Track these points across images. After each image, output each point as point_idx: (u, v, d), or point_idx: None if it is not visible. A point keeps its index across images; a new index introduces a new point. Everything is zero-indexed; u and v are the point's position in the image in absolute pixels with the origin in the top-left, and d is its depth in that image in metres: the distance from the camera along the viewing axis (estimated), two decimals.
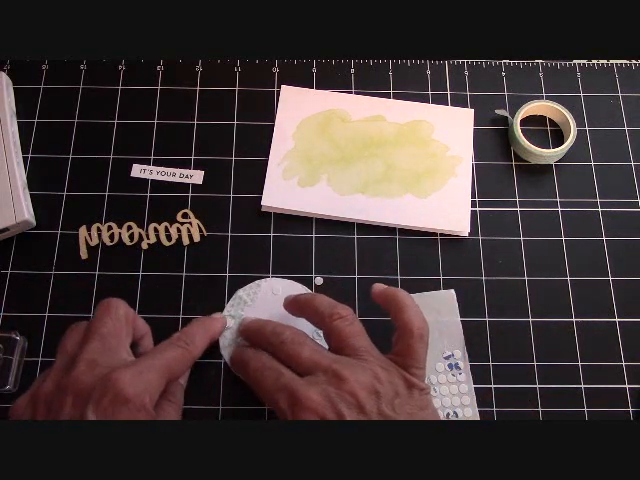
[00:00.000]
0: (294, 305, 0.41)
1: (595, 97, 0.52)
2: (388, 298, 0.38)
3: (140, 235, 0.47)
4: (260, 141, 0.50)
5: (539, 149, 0.49)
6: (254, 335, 0.40)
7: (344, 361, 0.35)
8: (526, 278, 0.46)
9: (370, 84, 0.52)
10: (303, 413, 0.33)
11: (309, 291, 0.45)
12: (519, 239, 0.47)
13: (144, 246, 0.46)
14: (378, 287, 0.39)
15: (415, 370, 0.36)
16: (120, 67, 0.52)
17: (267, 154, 0.49)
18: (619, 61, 0.53)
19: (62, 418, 0.31)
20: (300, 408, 0.33)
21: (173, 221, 0.47)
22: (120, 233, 0.47)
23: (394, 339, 0.37)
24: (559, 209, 0.48)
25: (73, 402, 0.32)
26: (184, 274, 0.46)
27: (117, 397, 0.31)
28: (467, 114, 0.51)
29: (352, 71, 0.53)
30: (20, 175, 0.47)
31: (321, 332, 0.42)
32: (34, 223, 0.46)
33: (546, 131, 0.51)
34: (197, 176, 0.49)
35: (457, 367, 0.44)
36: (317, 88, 0.52)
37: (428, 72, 0.53)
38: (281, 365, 0.37)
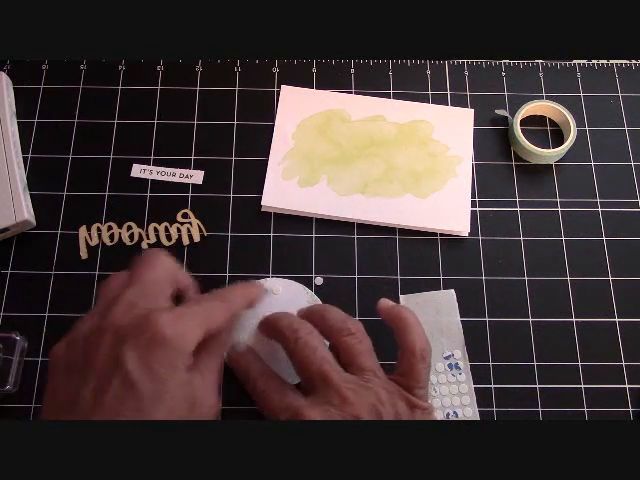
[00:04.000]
0: (306, 317, 0.40)
1: (595, 97, 0.52)
2: (393, 316, 0.38)
3: (140, 235, 0.47)
4: (260, 141, 0.50)
5: (539, 149, 0.49)
6: (270, 328, 0.40)
7: (350, 381, 0.35)
8: (526, 278, 0.46)
9: (370, 84, 0.52)
10: None
11: (309, 291, 0.45)
12: (519, 239, 0.47)
13: (144, 246, 0.46)
14: (384, 303, 0.40)
15: (417, 390, 0.36)
16: (120, 67, 0.52)
17: (267, 154, 0.49)
18: (619, 61, 0.53)
19: (99, 356, 0.31)
20: None
21: (173, 221, 0.47)
22: (120, 233, 0.47)
23: (398, 359, 0.38)
24: (559, 209, 0.48)
25: (111, 340, 0.32)
26: None
27: (155, 336, 0.31)
28: (467, 114, 0.51)
29: (352, 71, 0.53)
30: (20, 175, 0.47)
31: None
32: (34, 223, 0.46)
33: (546, 131, 0.51)
34: (197, 176, 0.49)
35: (457, 367, 0.44)
36: (317, 88, 0.52)
37: (428, 72, 0.53)
38: (286, 385, 0.37)
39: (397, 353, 0.38)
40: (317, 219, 0.48)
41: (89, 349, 0.32)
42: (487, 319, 0.45)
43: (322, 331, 0.39)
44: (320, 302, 0.44)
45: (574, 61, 0.54)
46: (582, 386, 0.43)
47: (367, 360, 0.36)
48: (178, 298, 0.38)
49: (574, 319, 0.45)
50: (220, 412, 0.35)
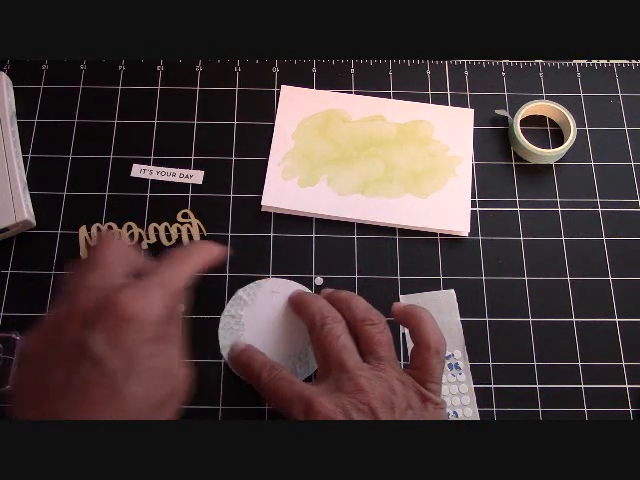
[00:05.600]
0: (332, 301, 0.41)
1: (595, 97, 0.52)
2: (407, 314, 0.39)
3: (140, 235, 0.47)
4: (260, 141, 0.50)
5: (539, 149, 0.49)
6: (300, 307, 0.41)
7: (365, 369, 0.36)
8: (526, 278, 0.46)
9: (370, 84, 0.52)
10: (317, 419, 0.34)
11: (309, 291, 0.45)
12: (519, 239, 0.47)
13: (144, 246, 0.46)
14: (398, 305, 0.40)
15: (430, 385, 0.36)
16: (120, 67, 0.52)
17: (267, 154, 0.49)
18: (619, 61, 0.53)
19: (67, 342, 0.32)
20: (314, 414, 0.34)
21: (173, 221, 0.47)
22: (120, 233, 0.47)
23: (411, 354, 0.38)
24: (559, 209, 0.48)
25: (78, 325, 0.32)
26: None
27: (119, 314, 0.32)
28: (467, 114, 0.51)
29: (352, 71, 0.53)
30: (20, 175, 0.47)
31: None
32: (34, 223, 0.46)
33: (546, 131, 0.51)
34: (197, 176, 0.49)
35: (457, 367, 0.44)
36: (317, 88, 0.52)
37: (428, 72, 0.53)
38: (290, 374, 0.38)
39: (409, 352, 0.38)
40: (317, 219, 0.48)
41: (57, 337, 0.32)
42: (487, 319, 0.45)
43: (346, 318, 0.39)
44: None
45: (574, 61, 0.54)
46: (582, 386, 0.43)
47: (385, 351, 0.37)
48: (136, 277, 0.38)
49: (574, 319, 0.45)
50: (192, 383, 0.35)
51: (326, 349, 0.37)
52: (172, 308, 0.36)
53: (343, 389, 0.35)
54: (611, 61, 0.53)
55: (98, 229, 0.47)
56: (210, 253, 0.40)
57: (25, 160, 0.49)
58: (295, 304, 0.42)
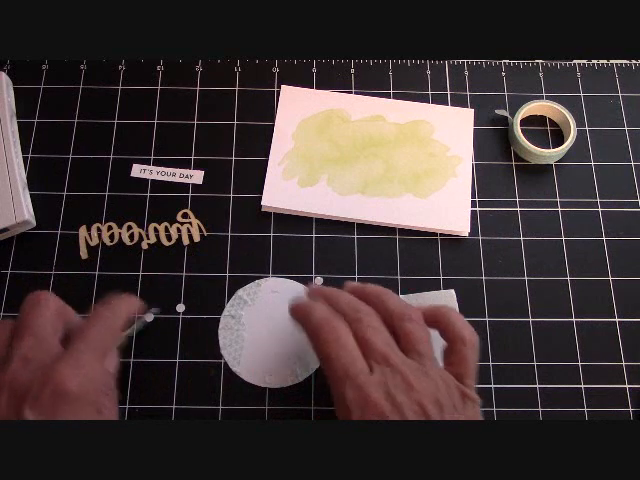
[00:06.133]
0: (359, 293, 0.39)
1: (595, 97, 0.52)
2: (436, 315, 0.37)
3: (140, 235, 0.47)
4: (260, 141, 0.50)
5: (539, 149, 0.49)
6: (330, 299, 0.38)
7: (410, 365, 0.34)
8: (526, 278, 0.46)
9: (370, 84, 0.52)
10: (372, 418, 0.32)
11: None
12: (519, 239, 0.47)
13: (144, 246, 0.46)
14: (420, 309, 0.38)
15: (467, 380, 0.35)
16: (120, 67, 0.52)
17: (267, 154, 0.49)
18: (619, 61, 0.53)
19: (2, 406, 0.31)
20: (370, 413, 0.32)
21: (173, 221, 0.47)
22: (120, 233, 0.47)
23: (444, 352, 0.37)
24: (559, 209, 0.48)
25: (8, 399, 0.31)
26: (184, 274, 0.46)
27: (58, 391, 0.31)
28: (467, 114, 0.51)
29: (352, 71, 0.53)
30: (20, 175, 0.47)
31: None
32: (34, 223, 0.46)
33: (546, 131, 0.51)
34: (197, 176, 0.49)
35: None
36: (317, 88, 0.52)
37: (428, 72, 0.53)
38: (355, 347, 0.35)
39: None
40: (317, 219, 0.48)
41: None
42: (487, 319, 0.45)
43: (380, 313, 0.37)
44: None
45: (574, 61, 0.54)
46: (582, 386, 0.43)
47: (425, 347, 0.36)
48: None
49: (574, 319, 0.45)
50: None
51: (370, 346, 0.34)
52: (107, 373, 0.35)
53: (395, 384, 0.33)
54: (611, 61, 0.53)
55: (98, 229, 0.47)
56: (133, 308, 0.39)
57: (25, 160, 0.49)
58: (326, 297, 0.39)
